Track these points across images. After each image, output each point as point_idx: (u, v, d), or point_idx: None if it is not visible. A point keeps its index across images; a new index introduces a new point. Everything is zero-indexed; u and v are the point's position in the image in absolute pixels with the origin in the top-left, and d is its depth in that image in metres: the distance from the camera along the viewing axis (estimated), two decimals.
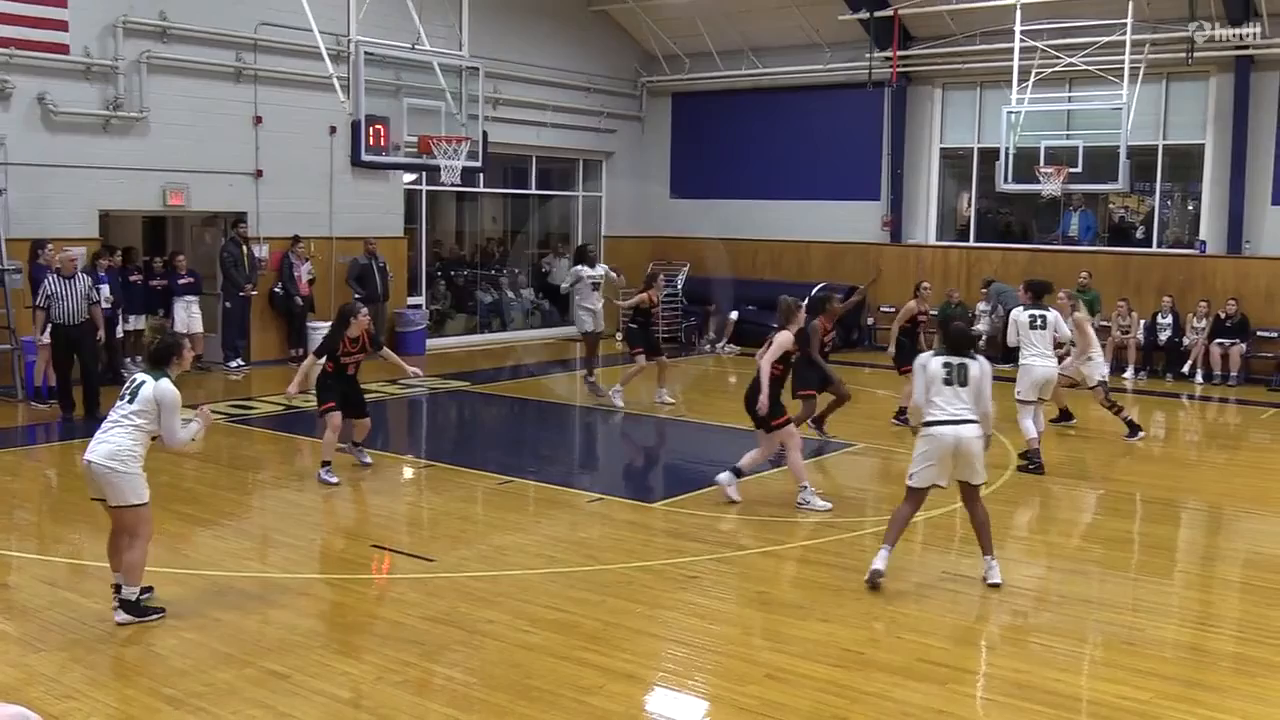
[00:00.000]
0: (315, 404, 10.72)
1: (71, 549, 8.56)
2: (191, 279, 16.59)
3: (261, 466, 11.52)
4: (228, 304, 17.01)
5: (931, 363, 7.67)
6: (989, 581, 7.67)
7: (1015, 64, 17.16)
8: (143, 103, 15.75)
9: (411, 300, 19.87)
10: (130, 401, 6.86)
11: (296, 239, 17.59)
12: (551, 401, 15.37)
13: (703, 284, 22.03)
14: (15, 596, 7.37)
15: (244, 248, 16.97)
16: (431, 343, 19.50)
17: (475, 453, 11.55)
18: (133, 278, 15.99)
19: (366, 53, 11.95)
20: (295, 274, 17.57)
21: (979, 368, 7.63)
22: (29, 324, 13.88)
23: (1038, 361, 11.50)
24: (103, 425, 6.98)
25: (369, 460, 11.00)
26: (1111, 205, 20.28)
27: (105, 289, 14.88)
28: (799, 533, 8.97)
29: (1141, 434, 13.16)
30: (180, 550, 8.48)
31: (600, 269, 15.10)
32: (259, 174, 17.26)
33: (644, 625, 6.98)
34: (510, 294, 22.73)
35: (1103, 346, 17.74)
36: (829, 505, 9.52)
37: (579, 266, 14.83)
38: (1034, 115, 17.52)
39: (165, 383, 6.87)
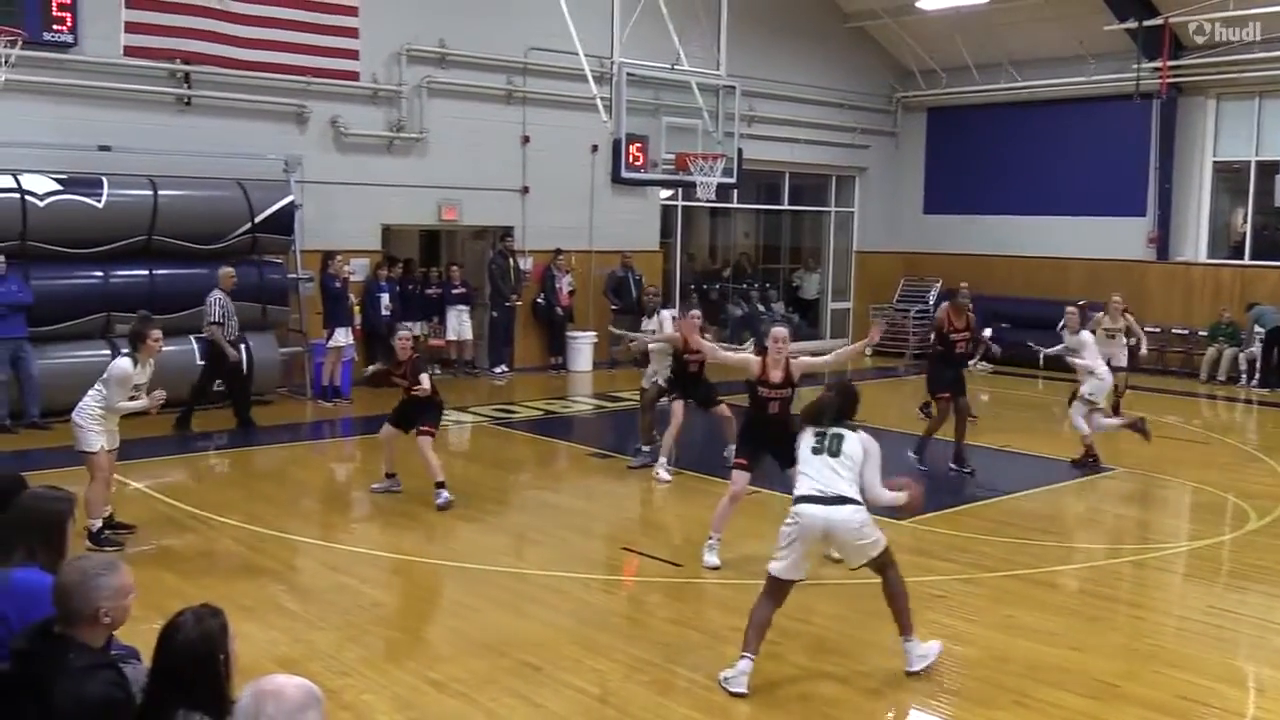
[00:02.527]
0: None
1: (352, 536, 9.25)
2: (464, 289, 17.53)
3: (521, 468, 12.07)
4: (494, 313, 17.88)
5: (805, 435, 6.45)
6: (908, 670, 6.33)
7: None
8: (422, 124, 16.81)
9: (666, 313, 20.27)
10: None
11: (558, 252, 18.32)
12: (797, 414, 15.37)
13: None
14: (300, 579, 8.06)
15: (510, 260, 17.81)
16: None
17: (723, 463, 11.70)
18: (410, 287, 17.05)
19: (628, 74, 12.33)
20: (556, 285, 18.28)
21: (858, 441, 6.28)
22: (319, 328, 15.04)
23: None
24: None
25: (444, 500, 9.83)
26: None
27: (385, 297, 15.96)
28: (1050, 557, 8.71)
29: None
30: (445, 544, 9.04)
31: (650, 322, 12.42)
32: (525, 190, 18.09)
33: (887, 642, 6.90)
34: (761, 307, 22.88)
35: None
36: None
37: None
38: None
39: (121, 360, 8.40)
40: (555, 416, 14.90)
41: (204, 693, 3.16)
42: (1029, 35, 20.48)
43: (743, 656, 6.13)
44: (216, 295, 12.91)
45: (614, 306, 18.86)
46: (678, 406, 11.15)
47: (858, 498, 6.16)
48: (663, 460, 11.11)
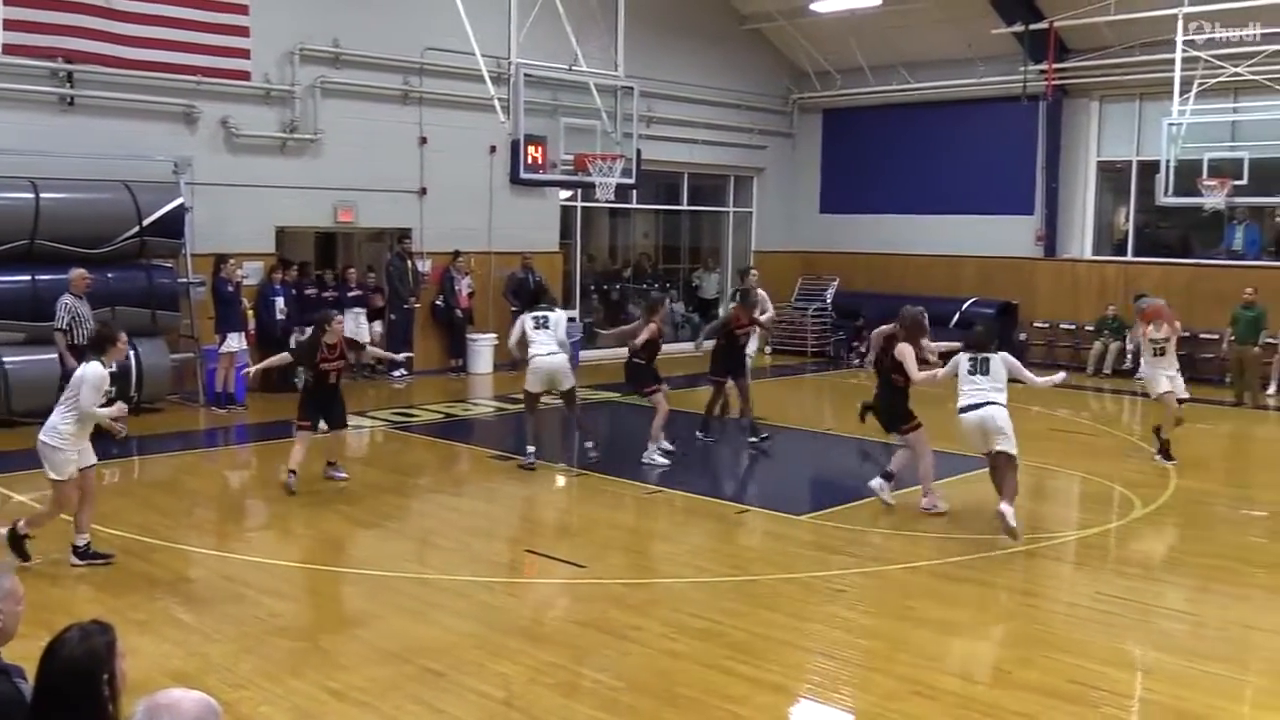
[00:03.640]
0: (295, 415, 10.71)
1: (248, 545, 9.06)
2: (360, 291, 17.28)
3: (421, 472, 11.94)
4: (392, 316, 17.67)
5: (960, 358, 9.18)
6: (1008, 525, 8.74)
7: (1177, 75, 16.65)
8: (316, 125, 16.53)
9: (567, 313, 20.26)
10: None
11: (457, 254, 18.17)
12: (699, 413, 15.47)
13: (851, 299, 21.92)
14: (194, 590, 7.85)
15: (408, 262, 17.62)
16: (584, 354, 19.86)
17: (625, 463, 11.75)
18: (306, 290, 16.73)
19: (526, 74, 12.26)
20: (456, 287, 18.14)
21: (1000, 361, 9.10)
22: (211, 333, 14.68)
23: None
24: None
25: (345, 475, 10.82)
26: (1278, 218, 19.41)
27: (280, 301, 15.66)
28: (947, 549, 8.89)
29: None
30: (345, 550, 8.91)
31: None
32: (423, 192, 17.91)
33: (790, 637, 7.03)
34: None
35: (1268, 365, 17.12)
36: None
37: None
38: (1196, 127, 16.94)
39: (91, 364, 7.99)
40: (456, 419, 14.79)
41: (89, 711, 3.07)
42: (920, 38, 20.90)
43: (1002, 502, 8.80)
44: (65, 300, 12.17)
45: (514, 308, 18.73)
46: (661, 399, 12.02)
47: (1002, 401, 8.85)
48: (654, 446, 11.94)
